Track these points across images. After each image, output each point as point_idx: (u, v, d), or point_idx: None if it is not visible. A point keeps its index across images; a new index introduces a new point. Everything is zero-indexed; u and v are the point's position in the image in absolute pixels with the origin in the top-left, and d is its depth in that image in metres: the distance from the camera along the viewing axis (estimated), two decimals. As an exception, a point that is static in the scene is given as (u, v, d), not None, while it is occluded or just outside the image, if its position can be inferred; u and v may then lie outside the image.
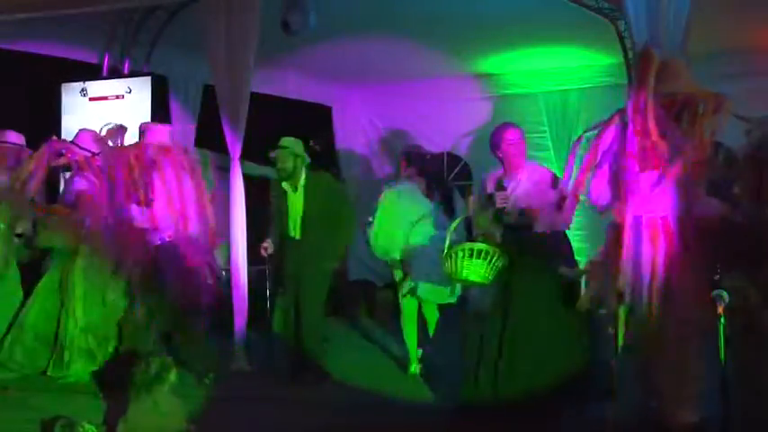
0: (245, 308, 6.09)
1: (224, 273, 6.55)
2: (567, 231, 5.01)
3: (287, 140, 5.87)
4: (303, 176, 5.84)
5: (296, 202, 5.83)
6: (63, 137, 6.99)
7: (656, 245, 3.92)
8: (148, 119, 7.42)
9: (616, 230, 4.07)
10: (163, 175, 5.68)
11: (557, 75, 9.42)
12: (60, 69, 8.56)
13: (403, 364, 6.24)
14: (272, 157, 5.85)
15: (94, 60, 8.19)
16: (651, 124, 3.90)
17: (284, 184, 5.86)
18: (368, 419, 4.81)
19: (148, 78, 7.69)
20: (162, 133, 6.43)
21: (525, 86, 9.65)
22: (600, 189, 4.12)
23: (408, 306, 6.08)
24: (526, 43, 8.49)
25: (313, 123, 11.61)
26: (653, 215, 3.94)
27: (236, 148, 6.06)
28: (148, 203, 5.67)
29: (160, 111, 7.88)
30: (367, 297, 8.91)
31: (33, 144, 6.18)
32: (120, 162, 5.75)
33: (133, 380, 3.99)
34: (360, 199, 9.53)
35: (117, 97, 7.64)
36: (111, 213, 5.72)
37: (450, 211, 6.07)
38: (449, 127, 10.15)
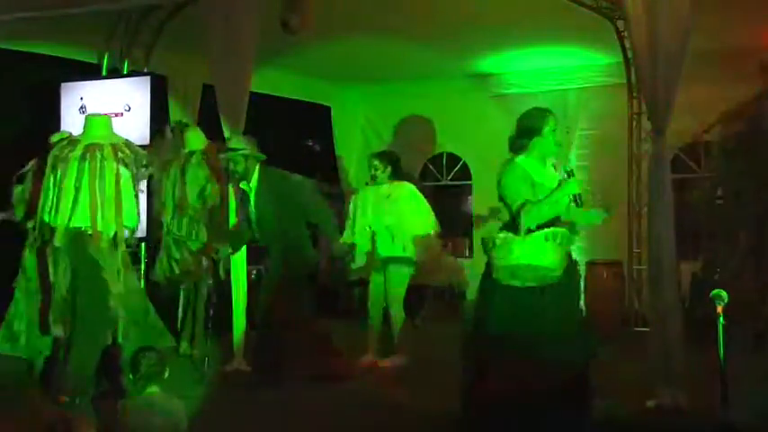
0: (245, 308, 6.09)
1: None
2: None
3: (236, 141, 5.74)
4: (255, 176, 5.71)
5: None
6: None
7: None
8: (148, 130, 7.43)
9: None
10: None
11: (556, 74, 9.45)
12: (60, 69, 8.57)
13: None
14: (223, 158, 5.76)
15: (94, 60, 8.19)
16: None
17: (243, 185, 5.78)
18: (368, 419, 4.81)
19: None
20: None
21: (525, 86, 9.67)
22: None
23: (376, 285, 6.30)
24: (526, 43, 8.50)
25: (312, 123, 11.64)
26: None
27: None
28: None
29: (159, 111, 7.86)
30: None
31: (33, 144, 6.18)
32: None
33: (128, 377, 3.98)
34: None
35: (116, 115, 7.59)
36: None
37: None
38: (449, 127, 10.17)
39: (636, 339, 6.59)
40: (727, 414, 3.91)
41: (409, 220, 6.26)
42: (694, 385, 4.61)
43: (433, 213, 6.43)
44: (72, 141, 5.19)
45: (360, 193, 6.72)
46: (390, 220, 6.24)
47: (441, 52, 8.65)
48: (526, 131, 4.25)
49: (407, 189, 6.39)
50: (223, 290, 6.48)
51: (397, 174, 6.42)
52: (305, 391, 5.46)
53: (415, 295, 8.74)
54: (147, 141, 7.23)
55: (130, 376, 3.96)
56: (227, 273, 6.35)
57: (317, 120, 11.19)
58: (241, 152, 5.66)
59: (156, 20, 7.85)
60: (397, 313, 6.32)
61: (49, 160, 5.11)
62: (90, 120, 5.31)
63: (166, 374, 3.96)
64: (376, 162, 6.40)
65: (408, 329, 6.51)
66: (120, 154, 5.10)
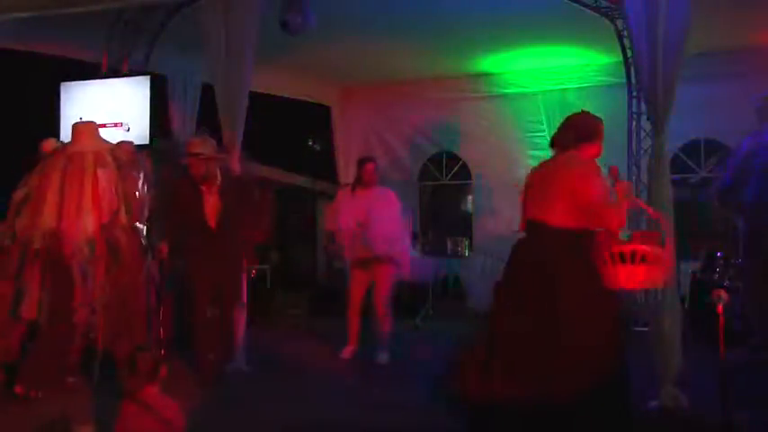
0: (245, 308, 6.09)
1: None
2: None
3: (197, 145, 5.62)
4: (219, 176, 5.63)
5: (213, 202, 5.64)
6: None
7: None
8: (147, 130, 7.42)
9: None
10: None
11: (556, 74, 9.45)
12: (60, 69, 8.56)
13: (403, 362, 6.25)
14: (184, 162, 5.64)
15: (94, 60, 8.20)
16: None
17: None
18: (367, 418, 4.81)
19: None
20: None
21: (524, 86, 9.68)
22: None
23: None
24: (526, 43, 8.50)
25: (313, 123, 11.63)
26: None
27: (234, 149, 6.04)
28: None
29: (159, 111, 7.86)
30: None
31: (33, 144, 6.18)
32: None
33: (122, 379, 3.96)
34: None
35: (115, 125, 7.59)
36: None
37: None
38: (449, 127, 10.18)
39: (636, 339, 6.58)
40: (727, 414, 3.91)
41: (396, 221, 6.41)
42: (694, 385, 4.61)
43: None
44: (60, 151, 5.26)
45: (349, 193, 6.71)
46: (379, 220, 6.29)
47: (441, 52, 8.65)
48: (583, 135, 4.07)
49: (392, 194, 6.55)
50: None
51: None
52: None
53: (415, 295, 8.82)
54: (146, 142, 7.24)
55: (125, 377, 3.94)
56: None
57: (317, 120, 11.19)
58: (204, 156, 5.55)
59: (156, 20, 7.86)
60: (385, 312, 6.39)
61: (39, 169, 5.19)
62: (75, 128, 5.36)
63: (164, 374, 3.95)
64: (372, 166, 6.47)
65: (403, 328, 6.54)
66: (102, 161, 5.15)
